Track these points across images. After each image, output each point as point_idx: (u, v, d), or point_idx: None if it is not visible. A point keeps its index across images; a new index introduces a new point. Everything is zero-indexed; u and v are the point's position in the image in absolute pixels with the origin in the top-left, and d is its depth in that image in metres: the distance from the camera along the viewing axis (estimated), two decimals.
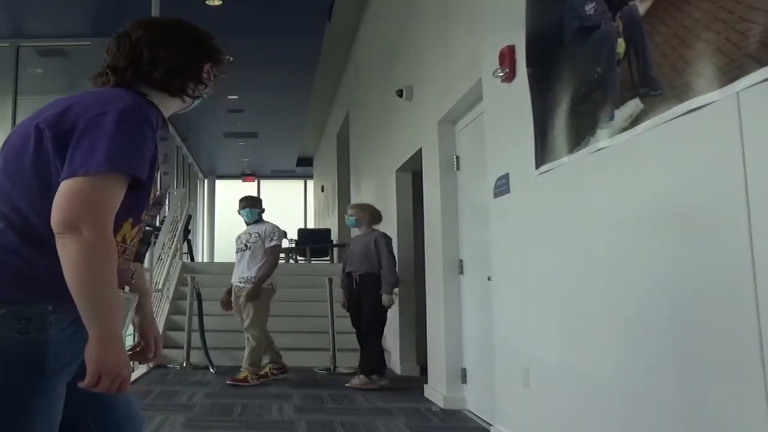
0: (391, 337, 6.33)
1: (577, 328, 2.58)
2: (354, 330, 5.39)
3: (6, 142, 1.31)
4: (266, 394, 4.82)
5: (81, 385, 1.17)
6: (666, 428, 2.01)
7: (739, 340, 1.69)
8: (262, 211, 5.55)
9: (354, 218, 5.41)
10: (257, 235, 5.35)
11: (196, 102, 1.48)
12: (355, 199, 8.65)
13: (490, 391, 3.57)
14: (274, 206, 17.95)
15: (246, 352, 5.20)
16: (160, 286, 7.02)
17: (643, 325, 2.14)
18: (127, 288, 1.39)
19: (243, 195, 5.78)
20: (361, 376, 5.08)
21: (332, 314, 6.21)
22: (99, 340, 1.15)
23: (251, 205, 5.51)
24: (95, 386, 1.16)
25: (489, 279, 3.60)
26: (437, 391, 4.50)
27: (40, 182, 1.21)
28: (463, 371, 4.32)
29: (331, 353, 6.02)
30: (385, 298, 5.10)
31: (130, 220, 1.29)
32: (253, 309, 5.17)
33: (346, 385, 5.04)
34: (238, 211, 5.54)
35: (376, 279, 5.14)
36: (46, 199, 1.17)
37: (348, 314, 5.44)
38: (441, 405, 4.35)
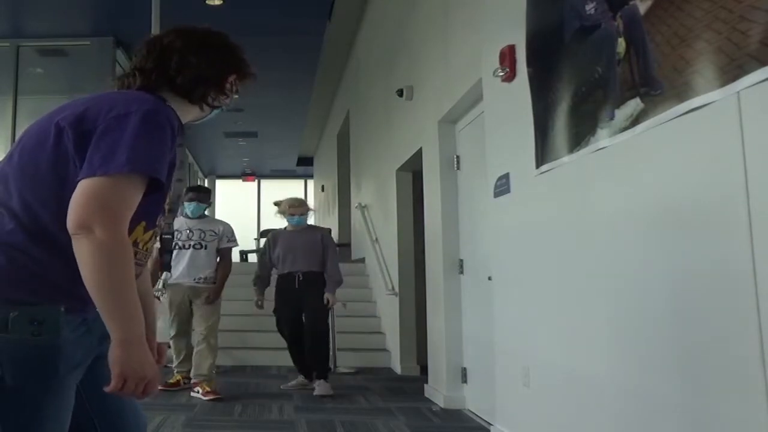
0: (391, 337, 6.34)
1: (577, 327, 2.58)
2: (286, 331, 4.97)
3: (21, 138, 1.29)
4: (266, 394, 4.82)
5: (107, 389, 1.15)
6: (666, 428, 2.01)
7: (739, 340, 1.69)
8: (209, 206, 5.07)
9: (305, 216, 5.07)
10: (213, 233, 4.85)
11: (214, 112, 1.47)
12: (355, 199, 8.65)
13: (490, 391, 3.57)
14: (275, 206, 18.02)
15: (206, 359, 4.62)
16: (160, 286, 7.01)
17: (643, 325, 2.14)
18: (162, 299, 1.41)
19: (192, 185, 5.34)
20: (322, 381, 4.74)
21: (332, 313, 6.21)
22: (121, 342, 1.13)
23: (200, 199, 4.91)
24: (121, 390, 1.15)
25: (489, 279, 3.60)
26: (437, 391, 4.50)
27: (55, 181, 1.20)
28: (464, 371, 4.32)
29: (331, 353, 6.01)
30: (330, 297, 4.86)
31: (143, 223, 1.28)
32: (215, 314, 4.78)
33: (315, 393, 4.66)
34: (183, 202, 4.95)
35: (321, 278, 4.91)
36: (61, 197, 1.17)
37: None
38: (441, 404, 4.35)
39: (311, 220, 5.33)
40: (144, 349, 1.16)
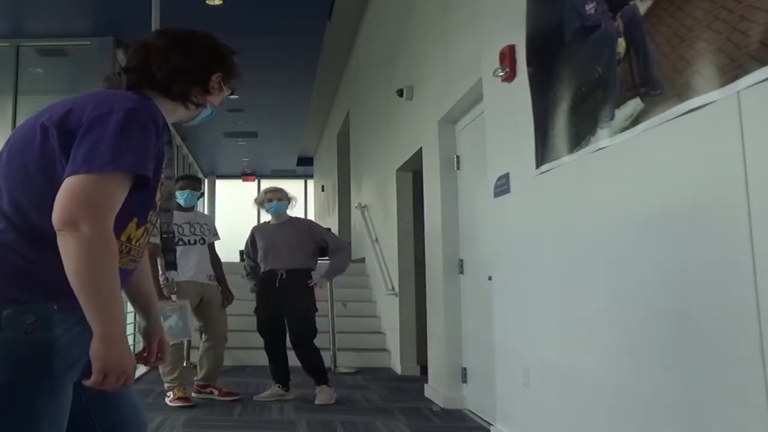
0: (391, 337, 6.34)
1: (577, 327, 2.58)
2: (264, 335, 4.54)
3: (9, 140, 1.31)
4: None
5: (86, 383, 1.17)
6: (666, 428, 2.01)
7: (739, 340, 1.69)
8: (201, 196, 4.72)
9: (283, 203, 4.59)
10: (206, 226, 4.58)
11: (204, 113, 1.47)
12: (355, 199, 8.65)
13: (490, 391, 3.57)
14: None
15: (221, 360, 4.58)
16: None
17: (643, 325, 2.14)
18: (174, 297, 1.42)
19: (180, 174, 4.88)
20: (324, 387, 4.41)
21: (332, 313, 6.21)
22: (103, 337, 1.15)
23: (193, 187, 4.59)
24: (101, 384, 1.17)
25: (489, 279, 3.60)
26: (437, 391, 4.50)
27: (44, 180, 1.21)
28: (464, 371, 4.32)
29: (331, 353, 6.02)
30: (319, 281, 4.47)
31: (135, 219, 1.29)
32: (225, 314, 4.63)
33: (316, 402, 4.35)
34: (174, 192, 4.35)
35: (307, 275, 4.48)
36: (50, 197, 1.17)
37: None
38: (441, 404, 4.35)
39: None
40: (124, 344, 1.18)
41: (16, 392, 1.16)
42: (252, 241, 4.69)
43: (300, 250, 4.50)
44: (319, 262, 4.73)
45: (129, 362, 1.19)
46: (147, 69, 1.36)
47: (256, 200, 4.71)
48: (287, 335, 4.53)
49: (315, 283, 4.48)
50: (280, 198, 4.58)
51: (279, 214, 4.61)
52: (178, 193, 4.52)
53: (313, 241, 4.56)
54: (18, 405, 1.16)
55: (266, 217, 4.77)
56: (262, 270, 4.59)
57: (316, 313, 4.55)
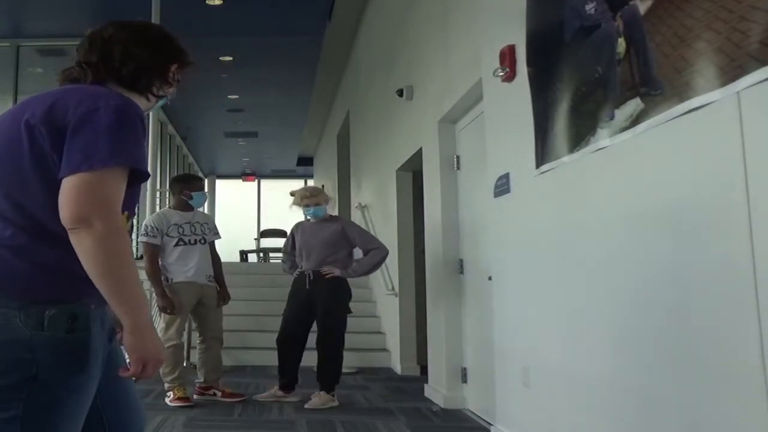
0: (391, 337, 6.34)
1: (578, 327, 2.58)
2: (285, 333, 4.43)
3: None
4: None
5: (126, 374, 1.21)
6: (666, 428, 2.01)
7: (739, 340, 1.69)
8: None
9: (321, 207, 4.50)
10: (206, 225, 4.55)
11: (160, 102, 1.51)
12: (355, 199, 8.65)
13: (490, 391, 3.57)
14: (275, 206, 18.05)
15: (211, 362, 4.48)
16: None
17: (643, 325, 2.14)
18: None
19: (179, 175, 4.97)
20: (322, 393, 4.28)
21: None
22: (135, 329, 1.18)
23: (203, 188, 4.63)
24: (140, 375, 1.21)
25: (489, 279, 3.60)
26: (437, 391, 4.50)
27: (41, 179, 1.21)
28: (464, 371, 4.32)
29: None
30: (333, 270, 4.33)
31: (126, 213, 1.31)
32: (220, 314, 4.62)
33: (305, 406, 4.22)
34: (188, 192, 4.49)
35: (338, 277, 4.36)
36: (51, 195, 1.18)
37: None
38: (441, 404, 4.35)
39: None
40: (154, 331, 1.23)
41: (55, 388, 1.18)
42: (292, 237, 4.63)
43: (329, 251, 4.39)
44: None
45: (162, 349, 1.23)
46: (111, 62, 1.38)
47: (293, 201, 4.57)
48: (305, 345, 4.45)
49: (328, 271, 4.36)
50: (318, 203, 4.48)
51: (319, 217, 4.52)
52: (195, 194, 4.50)
53: (347, 241, 4.45)
54: (56, 401, 1.18)
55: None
56: (297, 270, 4.54)
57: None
